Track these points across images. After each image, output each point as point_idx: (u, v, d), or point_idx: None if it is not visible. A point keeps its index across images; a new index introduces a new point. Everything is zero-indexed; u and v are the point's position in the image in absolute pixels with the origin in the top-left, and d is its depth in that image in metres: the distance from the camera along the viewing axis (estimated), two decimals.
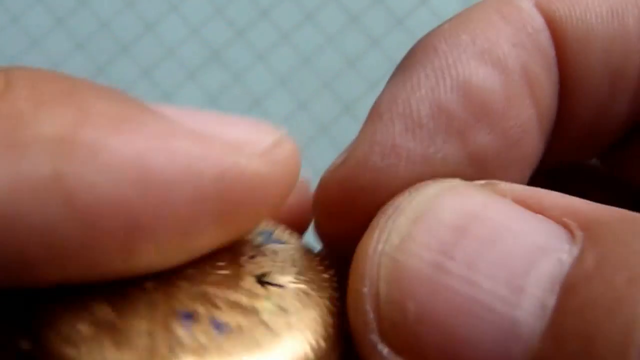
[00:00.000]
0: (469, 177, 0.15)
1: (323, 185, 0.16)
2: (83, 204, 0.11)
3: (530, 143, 0.16)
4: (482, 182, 0.14)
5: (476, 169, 0.15)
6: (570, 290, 0.11)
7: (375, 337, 0.12)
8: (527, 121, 0.15)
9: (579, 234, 0.12)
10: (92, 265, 0.11)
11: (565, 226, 0.12)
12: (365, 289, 0.13)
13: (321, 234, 0.16)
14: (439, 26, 0.16)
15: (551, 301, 0.11)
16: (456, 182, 0.14)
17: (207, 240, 0.12)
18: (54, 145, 0.11)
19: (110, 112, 0.11)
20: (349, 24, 0.55)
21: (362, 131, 0.15)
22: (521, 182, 0.16)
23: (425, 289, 0.12)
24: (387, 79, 0.16)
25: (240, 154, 0.12)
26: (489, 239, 0.12)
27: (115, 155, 0.11)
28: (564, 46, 0.16)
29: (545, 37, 0.16)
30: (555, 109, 0.16)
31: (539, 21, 0.16)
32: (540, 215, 0.13)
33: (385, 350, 0.12)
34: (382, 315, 0.12)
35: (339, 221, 0.15)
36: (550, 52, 0.16)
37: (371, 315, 0.12)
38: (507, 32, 0.15)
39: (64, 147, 0.11)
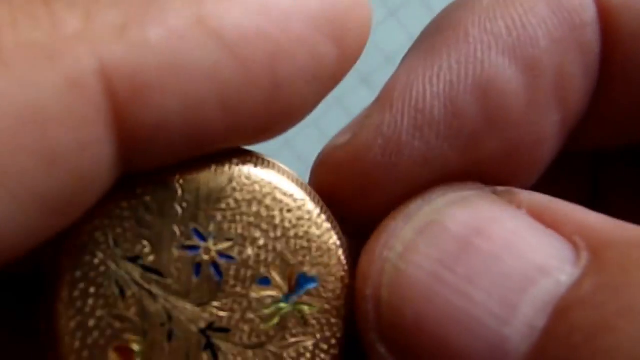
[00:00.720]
0: (467, 180, 0.14)
1: (324, 158, 0.15)
2: (231, 37, 0.12)
3: (546, 149, 0.15)
4: (502, 189, 0.14)
5: (477, 174, 0.14)
6: (562, 313, 0.11)
7: (375, 336, 0.13)
8: (547, 127, 0.14)
9: (584, 255, 0.12)
10: (249, 104, 0.12)
11: (574, 244, 0.12)
12: (369, 292, 0.13)
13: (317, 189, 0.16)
14: None
15: (541, 322, 0.12)
16: (470, 193, 0.14)
17: (330, 62, 0.13)
18: None
19: None
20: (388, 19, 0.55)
21: (370, 113, 0.14)
22: (528, 185, 0.15)
23: (423, 297, 0.12)
24: None
25: None
26: (491, 255, 0.12)
27: None
28: (614, 41, 0.14)
29: (592, 32, 0.14)
30: (586, 106, 0.15)
31: (590, 13, 0.14)
32: (551, 231, 0.13)
33: (382, 349, 0.13)
34: (382, 317, 0.13)
35: (333, 189, 0.15)
36: (594, 48, 0.14)
37: (372, 316, 0.13)
38: (550, 24, 0.14)
39: None
